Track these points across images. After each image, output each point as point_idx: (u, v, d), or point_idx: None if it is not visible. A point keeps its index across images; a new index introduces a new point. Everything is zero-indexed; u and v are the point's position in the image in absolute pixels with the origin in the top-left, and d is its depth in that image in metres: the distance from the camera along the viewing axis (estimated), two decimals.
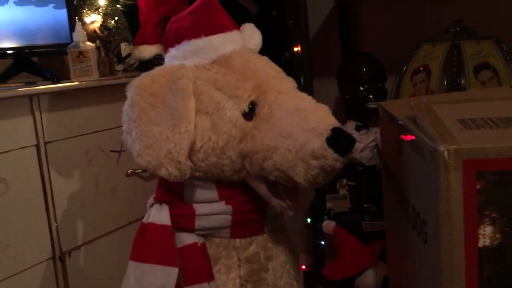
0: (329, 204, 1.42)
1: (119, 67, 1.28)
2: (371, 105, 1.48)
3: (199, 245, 0.76)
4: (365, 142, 1.51)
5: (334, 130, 0.66)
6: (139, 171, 1.05)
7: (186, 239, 0.76)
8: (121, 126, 0.97)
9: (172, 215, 0.76)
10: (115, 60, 1.24)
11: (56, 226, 0.91)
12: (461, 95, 0.83)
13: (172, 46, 0.81)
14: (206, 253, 0.77)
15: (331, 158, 0.66)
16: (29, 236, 0.87)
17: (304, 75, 1.36)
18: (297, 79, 1.34)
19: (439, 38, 1.34)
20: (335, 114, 1.74)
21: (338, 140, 0.66)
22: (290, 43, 1.51)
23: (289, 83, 0.77)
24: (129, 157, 0.99)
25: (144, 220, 0.77)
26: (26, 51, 0.96)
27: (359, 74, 1.46)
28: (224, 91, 0.73)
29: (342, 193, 1.45)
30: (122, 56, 1.30)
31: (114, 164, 1.00)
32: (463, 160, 0.50)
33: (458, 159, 0.50)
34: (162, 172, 0.70)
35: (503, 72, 1.26)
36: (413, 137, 0.60)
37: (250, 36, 0.82)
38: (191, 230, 0.77)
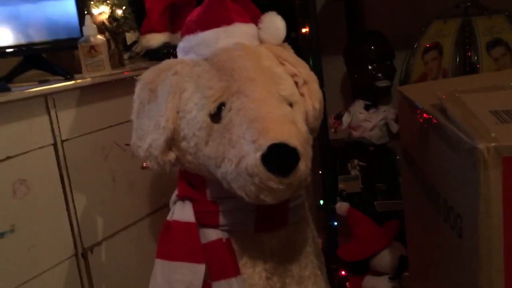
0: (341, 185, 1.42)
1: (125, 56, 1.26)
2: (380, 83, 1.47)
3: (224, 240, 0.76)
4: (375, 121, 1.50)
5: (272, 147, 0.60)
6: None
7: (211, 235, 0.76)
8: None
9: (196, 212, 0.76)
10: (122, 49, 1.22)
11: (77, 223, 0.91)
12: (485, 80, 0.81)
13: (181, 37, 0.81)
14: (231, 248, 0.77)
15: (264, 177, 0.60)
16: (52, 235, 0.87)
17: (313, 56, 1.34)
18: (305, 60, 1.32)
19: (450, 14, 1.32)
20: (344, 93, 1.73)
21: (273, 159, 0.60)
22: (296, 23, 1.48)
23: (265, 89, 0.70)
24: None
25: (168, 218, 0.77)
26: (36, 47, 0.94)
27: (367, 53, 1.44)
28: (200, 90, 0.72)
29: (353, 173, 1.45)
30: (128, 44, 1.28)
31: (130, 157, 1.00)
32: (503, 157, 0.49)
33: (498, 156, 0.49)
34: (148, 164, 0.74)
35: None
36: (445, 131, 0.59)
37: (267, 26, 0.80)
38: (215, 226, 0.76)
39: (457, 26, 1.28)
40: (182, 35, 0.82)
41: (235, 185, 0.65)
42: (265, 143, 0.61)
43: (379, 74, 1.46)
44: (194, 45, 0.77)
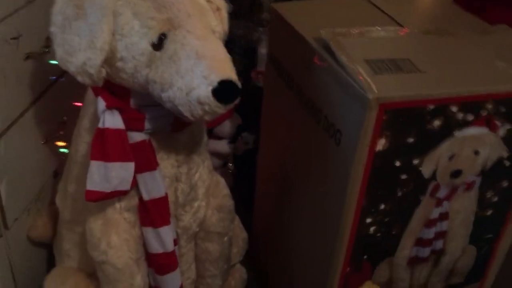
0: None
1: None
2: None
3: (147, 141, 0.92)
4: None
5: (221, 83, 0.76)
6: (36, 52, 1.05)
7: (137, 137, 0.90)
8: (16, 12, 0.97)
9: (123, 119, 0.88)
10: None
11: None
12: (349, 18, 1.04)
13: None
14: (152, 146, 0.93)
15: (214, 105, 0.77)
16: None
17: None
18: None
19: None
20: None
21: (223, 93, 0.76)
22: None
23: (202, 25, 0.81)
24: (27, 40, 1.00)
25: (99, 125, 0.86)
26: None
27: None
28: (139, 18, 0.80)
29: None
30: None
31: (15, 50, 0.99)
32: (379, 104, 0.78)
33: (377, 103, 0.77)
34: (78, 78, 0.82)
35: None
36: (336, 73, 0.84)
37: None
38: (140, 130, 0.90)
39: None
40: None
41: (182, 108, 0.79)
42: (216, 78, 0.76)
43: None
44: None
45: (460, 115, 0.83)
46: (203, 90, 0.76)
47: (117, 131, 0.87)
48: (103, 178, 0.87)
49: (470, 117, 0.84)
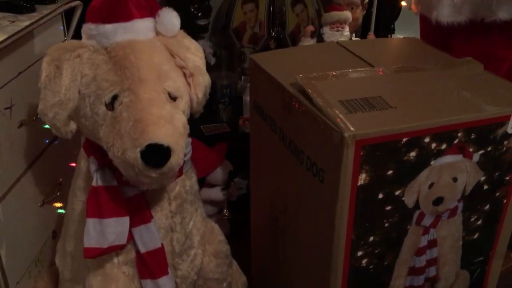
0: None
1: None
2: (201, 22, 1.70)
3: (140, 194, 0.96)
4: None
5: (149, 146, 0.80)
6: (28, 121, 1.09)
7: (130, 192, 0.95)
8: (8, 83, 1.03)
9: (116, 176, 0.92)
10: None
11: None
12: (322, 63, 1.11)
13: (86, 22, 0.90)
14: (145, 199, 0.97)
15: (142, 169, 0.82)
16: None
17: None
18: None
19: None
20: None
21: (150, 156, 0.80)
22: None
23: (152, 89, 0.85)
24: (20, 108, 1.05)
25: (93, 184, 0.91)
26: None
27: None
28: (97, 79, 0.87)
29: None
30: None
31: (8, 119, 1.04)
32: (356, 140, 0.82)
33: (354, 139, 0.82)
34: (53, 131, 0.91)
35: (310, 6, 1.60)
36: (313, 116, 0.89)
37: (163, 22, 0.93)
38: (133, 185, 0.94)
39: None
40: (87, 20, 0.90)
41: (119, 167, 0.85)
42: (144, 142, 0.80)
43: (200, 14, 1.68)
44: (95, 35, 0.88)
45: (433, 145, 0.88)
46: (132, 152, 0.81)
47: (110, 188, 0.91)
48: (99, 235, 0.90)
49: (443, 146, 0.89)
